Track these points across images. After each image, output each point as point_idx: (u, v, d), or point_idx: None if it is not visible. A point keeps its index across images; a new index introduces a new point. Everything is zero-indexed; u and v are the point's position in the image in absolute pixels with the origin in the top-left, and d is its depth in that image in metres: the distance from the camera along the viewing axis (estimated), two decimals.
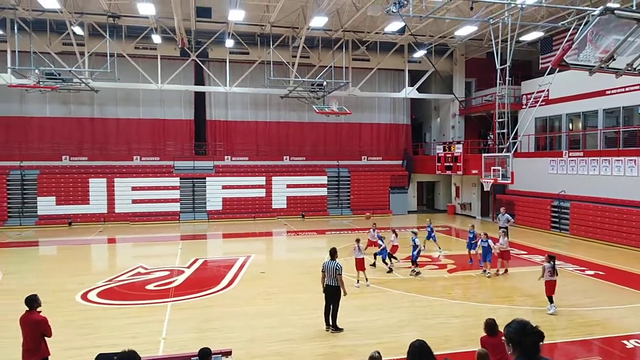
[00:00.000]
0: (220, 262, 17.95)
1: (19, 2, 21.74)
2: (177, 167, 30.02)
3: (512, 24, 18.61)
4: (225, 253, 20.95)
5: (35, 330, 6.95)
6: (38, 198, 27.16)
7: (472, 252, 16.73)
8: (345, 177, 31.98)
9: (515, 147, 24.56)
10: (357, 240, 14.09)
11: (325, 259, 10.55)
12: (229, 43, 26.75)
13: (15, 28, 23.76)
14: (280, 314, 11.41)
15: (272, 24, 24.68)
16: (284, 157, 32.14)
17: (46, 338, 7.09)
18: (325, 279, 10.28)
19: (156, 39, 25.67)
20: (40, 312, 7.15)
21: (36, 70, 22.64)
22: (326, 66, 27.62)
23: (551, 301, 11.32)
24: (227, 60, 28.07)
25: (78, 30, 24.84)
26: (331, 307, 10.20)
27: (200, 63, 28.69)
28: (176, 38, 25.61)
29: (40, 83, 22.85)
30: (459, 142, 30.07)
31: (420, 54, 29.19)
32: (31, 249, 21.62)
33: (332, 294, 10.20)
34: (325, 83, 25.68)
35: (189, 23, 24.83)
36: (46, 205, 27.17)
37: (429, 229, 19.21)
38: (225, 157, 31.26)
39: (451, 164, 29.36)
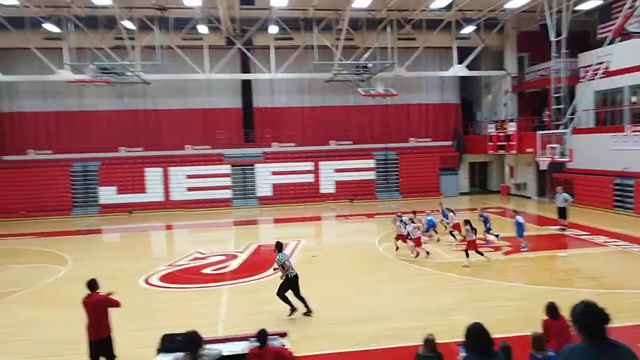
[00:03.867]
0: (272, 247, 18.25)
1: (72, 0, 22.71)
2: (227, 154, 30.71)
3: None
4: (276, 238, 21.17)
5: (97, 309, 7.43)
6: (100, 188, 28.63)
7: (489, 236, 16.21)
8: (393, 159, 31.60)
9: (574, 123, 23.44)
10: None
11: (281, 254, 10.31)
12: (273, 29, 26.84)
13: (71, 25, 24.85)
14: (332, 297, 11.53)
15: (315, 7, 24.52)
16: (331, 142, 32.13)
17: (112, 317, 7.58)
18: (289, 270, 10.14)
19: (202, 29, 26.14)
20: (99, 293, 7.62)
21: (91, 66, 23.66)
22: (370, 47, 27.17)
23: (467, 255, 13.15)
24: (272, 47, 28.21)
25: (128, 24, 25.67)
26: (299, 293, 10.17)
27: (245, 51, 29.01)
28: (221, 27, 25.97)
29: (96, 78, 23.90)
30: (512, 120, 28.96)
31: (468, 29, 28.15)
32: (95, 236, 22.92)
33: (294, 283, 10.20)
34: (370, 65, 25.33)
35: (234, 11, 25.09)
36: (107, 194, 28.62)
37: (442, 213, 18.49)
38: (273, 143, 31.64)
39: (504, 143, 28.34)
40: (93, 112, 30.18)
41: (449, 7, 25.68)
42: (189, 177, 29.34)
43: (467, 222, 13.95)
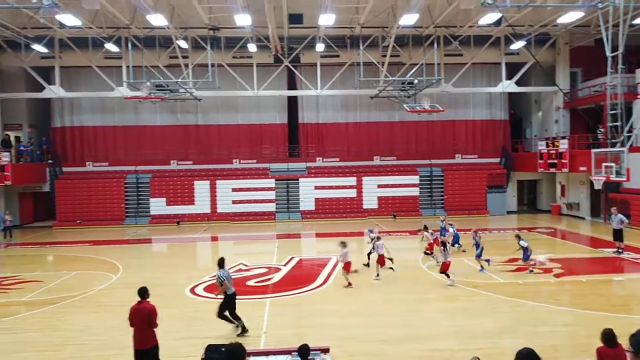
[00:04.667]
0: (314, 261, 18.40)
1: (132, 21, 24.00)
2: (272, 169, 31.27)
3: (624, 6, 16.93)
4: (318, 252, 21.44)
5: (144, 318, 7.68)
6: (151, 199, 29.79)
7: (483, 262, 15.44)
8: (439, 176, 31.14)
9: (631, 141, 22.38)
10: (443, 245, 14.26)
11: (222, 271, 10.24)
12: (320, 47, 27.31)
13: (129, 45, 26.27)
14: (374, 313, 11.45)
15: (361, 25, 24.78)
16: (375, 157, 32.09)
17: (159, 325, 7.81)
18: (228, 288, 10.11)
19: (252, 47, 26.96)
20: (149, 301, 7.90)
21: (147, 83, 24.89)
22: (417, 64, 27.09)
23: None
24: (318, 64, 28.69)
25: (182, 43, 26.85)
26: (234, 311, 10.14)
27: (292, 68, 29.64)
28: (270, 45, 26.68)
29: (151, 94, 25.09)
30: (563, 137, 27.95)
31: (518, 45, 27.56)
32: (145, 245, 23.80)
33: (233, 300, 10.16)
34: (416, 81, 25.24)
35: (282, 30, 25.74)
36: (158, 206, 29.72)
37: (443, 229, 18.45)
38: (317, 158, 31.96)
39: (555, 161, 27.36)
40: (148, 126, 31.61)
41: (498, 23, 25.28)
42: (235, 190, 30.04)
43: (443, 243, 14.24)
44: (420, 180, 30.89)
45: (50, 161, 30.50)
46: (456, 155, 32.43)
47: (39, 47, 26.03)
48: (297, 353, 6.25)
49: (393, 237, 23.52)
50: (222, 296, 10.30)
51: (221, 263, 10.42)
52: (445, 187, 30.92)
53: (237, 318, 10.14)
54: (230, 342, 5.83)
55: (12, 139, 29.50)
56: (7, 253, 21.17)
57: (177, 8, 23.47)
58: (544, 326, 10.38)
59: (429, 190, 31.03)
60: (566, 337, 9.78)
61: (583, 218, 27.80)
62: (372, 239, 16.33)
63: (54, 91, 28.14)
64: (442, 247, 14.07)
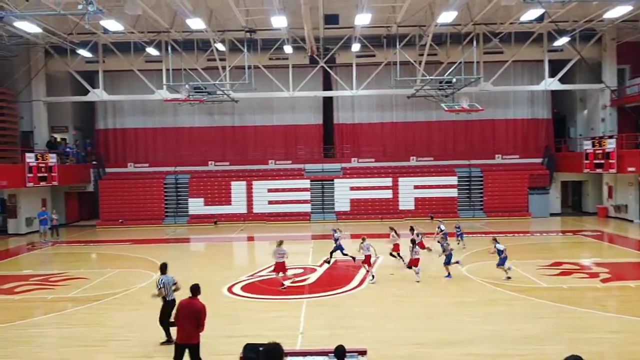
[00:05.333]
0: (349, 262, 18.27)
1: (171, 25, 24.58)
2: (307, 169, 31.36)
3: None
4: (354, 253, 21.26)
5: (192, 314, 7.81)
6: (189, 200, 30.42)
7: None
8: (478, 177, 30.44)
9: None
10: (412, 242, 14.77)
11: (162, 276, 9.92)
12: (356, 47, 27.18)
13: (169, 49, 26.92)
14: (410, 317, 11.27)
15: (398, 24, 24.50)
16: (411, 158, 31.68)
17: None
18: (167, 295, 9.72)
19: (287, 49, 27.13)
20: (199, 299, 8.04)
21: (186, 86, 25.43)
22: (455, 62, 26.56)
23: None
24: (354, 64, 28.57)
25: (220, 46, 27.29)
26: (168, 318, 9.58)
27: (327, 69, 29.64)
28: (306, 47, 26.77)
29: (190, 97, 25.63)
30: (611, 137, 26.75)
31: (562, 41, 26.60)
32: (184, 244, 24.31)
33: (173, 307, 9.50)
34: (454, 80, 24.75)
35: (318, 31, 25.78)
36: (196, 206, 30.32)
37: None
38: (352, 159, 31.83)
39: (602, 161, 26.23)
40: (186, 128, 32.30)
41: (540, 19, 24.46)
42: (270, 190, 30.30)
43: (412, 241, 14.78)
44: (459, 181, 30.27)
45: (94, 162, 31.64)
46: (496, 156, 31.59)
47: (84, 52, 27.08)
48: (333, 354, 6.19)
49: (431, 239, 23.12)
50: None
51: (163, 269, 10.11)
52: (484, 189, 30.18)
53: (168, 325, 9.70)
54: (270, 341, 5.83)
55: (59, 140, 30.81)
56: (54, 251, 22.08)
57: (215, 12, 23.89)
58: (589, 333, 9.96)
59: (467, 191, 30.37)
60: (613, 344, 9.34)
61: (632, 221, 26.54)
62: (336, 239, 16.86)
63: (98, 94, 29.18)
64: (410, 245, 14.67)
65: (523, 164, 31.08)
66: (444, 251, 15.14)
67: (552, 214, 29.88)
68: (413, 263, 14.62)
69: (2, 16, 20.35)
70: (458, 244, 19.17)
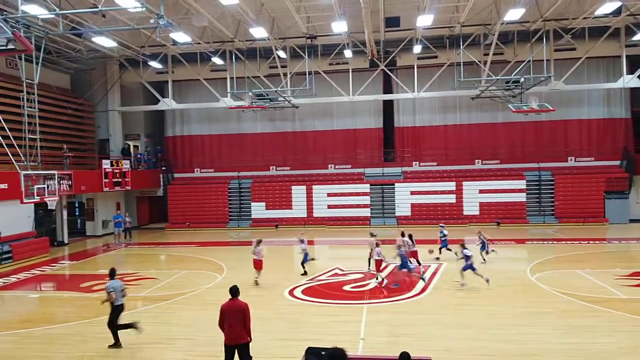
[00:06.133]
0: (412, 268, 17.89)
1: (235, 34, 25.36)
2: (367, 174, 31.16)
3: None
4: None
5: (238, 314, 7.90)
6: (252, 204, 31.16)
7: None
8: (548, 180, 28.86)
9: None
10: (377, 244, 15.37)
11: (111, 281, 10.15)
12: (417, 49, 26.73)
13: (233, 57, 27.81)
14: (477, 326, 10.81)
15: (462, 24, 23.84)
16: (476, 161, 30.61)
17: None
18: (116, 299, 10.02)
19: (347, 53, 27.16)
20: (240, 299, 8.14)
21: (249, 93, 26.14)
22: (523, 61, 25.40)
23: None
24: (415, 66, 28.09)
25: (281, 53, 27.83)
26: (116, 322, 10.05)
27: (388, 72, 29.34)
28: (366, 50, 26.67)
29: (253, 104, 26.31)
30: None
31: None
32: (247, 247, 24.76)
33: (121, 312, 10.09)
34: (522, 79, 23.68)
35: (378, 34, 25.60)
36: (258, 210, 31.00)
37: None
38: (414, 162, 31.25)
39: None
40: (249, 134, 33.19)
41: (617, 12, 22.91)
42: (330, 195, 30.38)
43: (376, 244, 15.35)
44: (527, 185, 28.85)
45: (163, 168, 33.25)
46: (569, 158, 29.84)
47: (154, 64, 28.57)
48: None
49: (497, 246, 22.18)
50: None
51: (112, 274, 10.39)
52: (555, 193, 28.56)
53: (116, 328, 10.08)
54: (334, 346, 5.77)
55: (132, 148, 32.69)
56: (127, 252, 23.36)
57: (276, 20, 24.37)
58: None
59: (537, 196, 28.88)
60: None
61: None
62: (302, 250, 16.51)
63: (167, 103, 30.64)
64: (375, 246, 15.20)
65: (598, 167, 29.14)
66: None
67: (631, 220, 27.67)
68: (377, 266, 14.99)
69: (81, 32, 21.92)
70: (440, 252, 18.59)
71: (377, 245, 15.53)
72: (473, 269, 14.02)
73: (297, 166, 32.34)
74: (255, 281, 15.01)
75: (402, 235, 16.92)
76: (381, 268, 15.30)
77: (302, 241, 16.82)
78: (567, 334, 10.11)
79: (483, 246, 17.78)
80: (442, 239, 18.51)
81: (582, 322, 10.86)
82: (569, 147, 30.07)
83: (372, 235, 16.87)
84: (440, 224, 19.72)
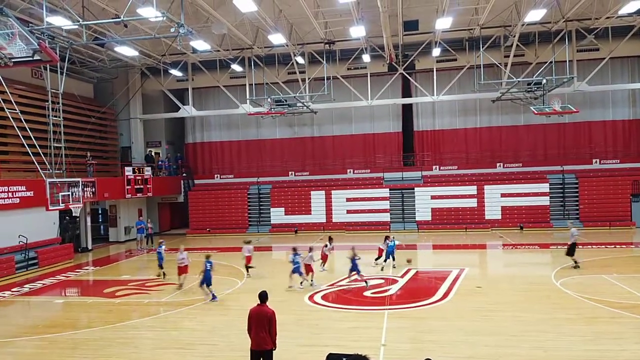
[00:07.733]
0: (432, 274, 17.73)
1: (254, 41, 25.59)
2: (386, 178, 31.00)
3: None
4: (436, 264, 20.61)
5: (264, 321, 7.86)
6: (271, 209, 31.27)
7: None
8: (573, 183, 28.28)
9: None
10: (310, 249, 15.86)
11: None
12: (436, 52, 26.55)
13: (252, 64, 28.05)
14: (501, 333, 10.60)
15: (481, 26, 23.62)
16: (497, 164, 30.20)
17: (280, 331, 7.97)
18: None
19: (366, 58, 27.13)
20: (268, 305, 8.08)
21: (268, 99, 26.30)
22: (545, 62, 25.05)
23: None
24: (434, 69, 27.91)
25: (300, 59, 27.95)
26: None
27: (407, 75, 29.21)
28: (384, 54, 26.60)
29: (272, 110, 26.46)
30: None
31: None
32: (266, 253, 24.93)
33: None
34: (544, 81, 23.33)
35: (397, 38, 25.52)
36: (277, 215, 31.10)
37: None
38: (434, 166, 30.99)
39: None
40: (268, 140, 33.39)
41: None
42: (349, 200, 30.30)
43: (310, 248, 15.89)
44: (551, 189, 28.33)
45: (184, 174, 33.63)
46: (593, 161, 29.20)
47: (175, 72, 29.01)
48: None
49: (521, 251, 21.80)
50: None
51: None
52: (580, 196, 27.97)
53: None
54: (355, 353, 5.72)
55: (153, 155, 33.14)
56: (149, 257, 23.61)
57: (295, 26, 24.52)
58: None
59: (561, 199, 28.32)
60: None
61: None
62: (294, 261, 15.91)
63: (187, 110, 31.03)
64: (308, 250, 15.76)
65: (625, 169, 28.45)
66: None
67: None
68: (309, 270, 15.47)
69: (104, 42, 22.38)
70: (385, 261, 18.38)
71: (310, 250, 15.97)
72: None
73: (316, 171, 32.38)
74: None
75: (330, 239, 17.94)
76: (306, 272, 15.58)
77: (296, 254, 15.54)
78: (593, 341, 9.85)
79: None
80: (389, 248, 18.33)
81: (608, 329, 10.57)
82: (594, 149, 29.47)
83: (246, 242, 18.22)
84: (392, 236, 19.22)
